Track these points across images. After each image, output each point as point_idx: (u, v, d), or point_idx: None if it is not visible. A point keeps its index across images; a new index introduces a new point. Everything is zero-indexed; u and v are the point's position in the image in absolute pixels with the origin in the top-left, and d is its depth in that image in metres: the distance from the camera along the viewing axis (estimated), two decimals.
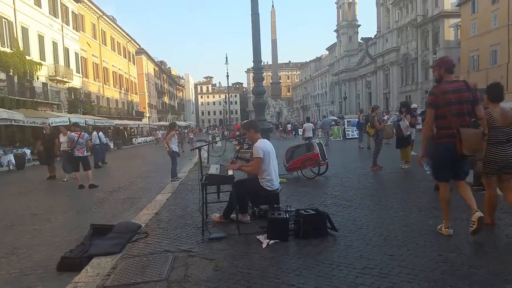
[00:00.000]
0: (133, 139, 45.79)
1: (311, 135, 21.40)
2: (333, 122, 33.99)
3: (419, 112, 15.77)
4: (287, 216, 5.06)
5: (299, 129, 40.67)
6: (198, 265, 4.16)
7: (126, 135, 45.64)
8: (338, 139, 29.63)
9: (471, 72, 49.97)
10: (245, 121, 8.06)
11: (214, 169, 5.86)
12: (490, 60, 46.84)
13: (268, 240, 4.72)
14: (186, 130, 38.17)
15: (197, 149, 5.87)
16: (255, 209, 6.01)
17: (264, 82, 11.09)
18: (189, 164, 15.03)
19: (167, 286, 3.68)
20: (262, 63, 10.61)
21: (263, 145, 5.52)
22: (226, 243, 4.85)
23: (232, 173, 5.66)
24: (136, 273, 4.00)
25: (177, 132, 22.45)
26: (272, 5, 58.48)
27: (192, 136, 32.05)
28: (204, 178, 5.38)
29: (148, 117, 65.53)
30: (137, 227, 5.58)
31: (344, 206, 6.55)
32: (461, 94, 4.44)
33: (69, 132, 11.76)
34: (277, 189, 5.67)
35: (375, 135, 11.08)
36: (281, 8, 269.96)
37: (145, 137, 49.99)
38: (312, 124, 24.41)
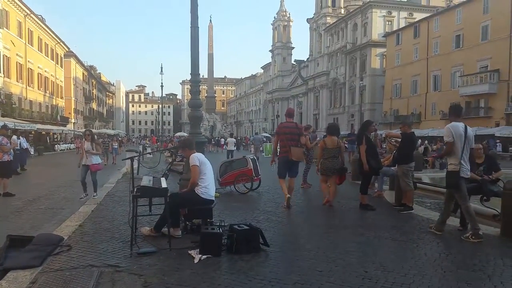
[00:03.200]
0: (56, 146, 42.74)
1: (233, 149, 25.70)
2: (264, 139, 34.68)
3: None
4: (221, 230, 5.03)
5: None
6: (125, 281, 3.97)
7: (48, 141, 42.57)
8: (270, 155, 30.18)
9: (394, 99, 53.93)
10: (182, 139, 8.25)
11: (146, 181, 5.64)
12: (411, 89, 50.96)
13: (200, 255, 4.64)
14: (109, 139, 29.90)
15: (128, 160, 5.68)
16: (187, 223, 5.89)
17: (199, 95, 11.08)
18: (116, 175, 14.38)
19: None
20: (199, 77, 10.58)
21: (197, 155, 5.65)
22: (156, 258, 4.68)
23: (165, 185, 5.51)
24: None
25: (100, 140, 20.90)
26: (210, 20, 58.50)
27: (116, 146, 24.27)
28: (135, 190, 5.18)
29: (74, 123, 61.85)
30: (59, 240, 5.19)
31: (276, 222, 6.66)
32: (292, 129, 8.03)
33: None
34: (212, 200, 5.64)
35: (305, 153, 11.44)
36: (219, 23, 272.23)
37: (69, 144, 46.94)
38: (234, 139, 28.82)
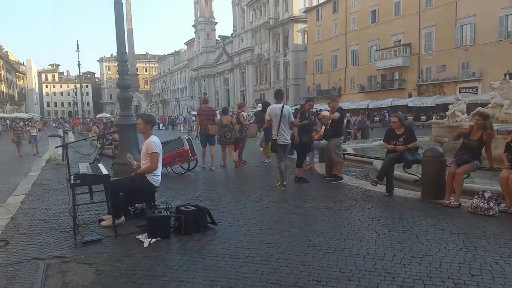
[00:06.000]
0: None
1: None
2: (194, 118, 34.44)
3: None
4: (167, 213, 5.07)
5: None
6: (75, 271, 3.91)
7: None
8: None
9: (316, 74, 55.91)
10: (143, 113, 7.77)
11: (84, 168, 5.45)
12: (332, 64, 53.09)
13: (149, 239, 4.66)
14: (21, 124, 22.60)
15: (53, 146, 5.40)
16: (130, 208, 5.81)
17: (127, 74, 10.66)
18: (39, 162, 13.49)
19: None
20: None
21: (157, 140, 5.41)
22: (103, 245, 4.62)
23: (106, 172, 5.38)
24: (2, 286, 3.58)
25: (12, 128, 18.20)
26: None
27: (35, 133, 19.20)
28: (73, 178, 4.99)
29: None
30: None
31: (218, 200, 6.81)
32: (207, 112, 10.90)
33: None
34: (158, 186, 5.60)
35: (240, 131, 11.64)
36: None
37: None
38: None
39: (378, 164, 8.42)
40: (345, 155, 9.74)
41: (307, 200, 6.64)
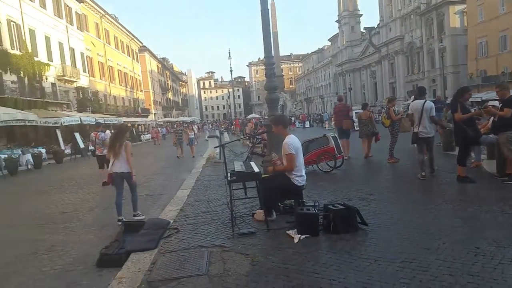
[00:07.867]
0: (142, 136, 46.11)
1: None
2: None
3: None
4: (316, 211, 5.05)
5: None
6: (234, 260, 4.20)
7: (134, 132, 45.84)
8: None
9: (479, 59, 49.38)
10: (274, 116, 7.59)
11: (239, 166, 5.83)
12: (500, 46, 46.06)
13: (299, 235, 4.71)
14: (182, 127, 23.23)
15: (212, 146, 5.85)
16: (280, 204, 5.99)
17: (274, 77, 11.08)
18: (201, 160, 15.05)
19: (208, 280, 3.72)
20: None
21: (292, 141, 5.39)
22: (257, 238, 4.87)
23: (257, 170, 5.65)
24: (176, 268, 4.09)
25: (173, 130, 19.73)
26: None
27: (192, 136, 19.95)
28: (230, 175, 5.36)
29: (154, 113, 65.76)
30: (166, 223, 5.66)
31: (367, 199, 6.50)
32: (342, 108, 12.71)
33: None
34: (304, 184, 5.64)
35: (391, 126, 10.97)
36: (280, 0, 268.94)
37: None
38: None
39: None
40: None
41: (474, 202, 5.84)
